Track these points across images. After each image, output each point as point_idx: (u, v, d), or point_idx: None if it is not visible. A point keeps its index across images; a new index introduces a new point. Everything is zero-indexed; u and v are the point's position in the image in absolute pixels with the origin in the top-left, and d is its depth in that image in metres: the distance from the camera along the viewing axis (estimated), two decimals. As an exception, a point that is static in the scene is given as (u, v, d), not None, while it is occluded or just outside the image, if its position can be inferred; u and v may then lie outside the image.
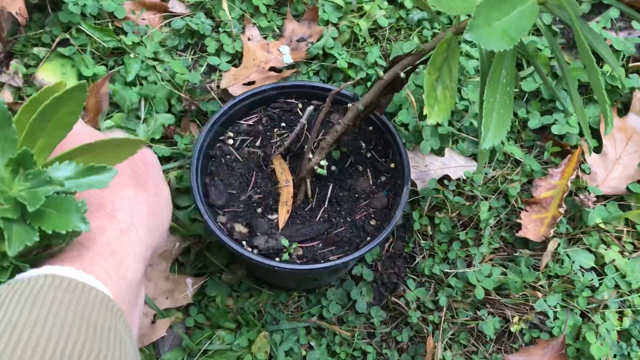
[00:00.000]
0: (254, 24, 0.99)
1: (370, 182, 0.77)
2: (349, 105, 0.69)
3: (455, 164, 0.92)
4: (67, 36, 0.93)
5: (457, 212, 0.89)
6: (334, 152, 0.78)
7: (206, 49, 0.97)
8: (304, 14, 1.01)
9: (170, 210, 0.60)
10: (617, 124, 0.94)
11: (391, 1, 1.03)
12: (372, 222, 0.74)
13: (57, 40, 0.93)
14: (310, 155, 0.71)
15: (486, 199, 0.90)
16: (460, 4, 0.46)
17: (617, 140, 0.93)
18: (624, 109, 0.97)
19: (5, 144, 0.39)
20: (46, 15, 0.95)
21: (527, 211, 0.89)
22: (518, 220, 0.89)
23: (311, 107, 0.77)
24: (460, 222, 0.89)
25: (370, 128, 0.80)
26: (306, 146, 0.71)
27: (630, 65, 0.98)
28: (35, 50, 0.93)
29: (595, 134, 0.95)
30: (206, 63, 0.96)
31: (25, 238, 0.39)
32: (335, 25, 1.00)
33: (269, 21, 1.00)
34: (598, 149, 0.94)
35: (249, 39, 0.97)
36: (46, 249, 0.45)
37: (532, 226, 0.88)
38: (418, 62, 0.62)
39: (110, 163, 0.43)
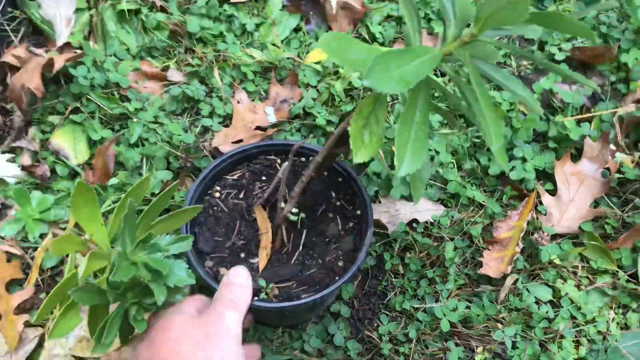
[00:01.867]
0: (243, 88, 1.12)
1: (340, 227, 0.87)
2: (311, 159, 0.80)
3: (423, 208, 1.02)
4: (78, 105, 1.07)
5: (426, 252, 0.98)
6: (307, 201, 0.88)
7: (200, 112, 1.09)
8: (287, 78, 1.13)
9: None
10: (570, 168, 1.04)
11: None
12: (340, 264, 0.84)
13: (69, 108, 1.06)
14: (283, 205, 0.82)
15: (452, 239, 0.99)
16: (357, 58, 0.55)
17: (570, 184, 1.03)
18: (577, 155, 1.06)
19: (130, 227, 0.58)
20: (60, 87, 1.08)
21: (489, 250, 0.99)
22: (481, 259, 0.98)
23: (287, 163, 0.88)
24: (429, 261, 0.98)
25: (340, 179, 0.91)
26: (277, 197, 0.82)
27: (584, 115, 1.09)
28: (51, 118, 1.06)
29: (551, 179, 1.04)
30: (200, 124, 1.09)
31: (162, 292, 0.58)
32: (314, 87, 1.12)
33: (255, 86, 1.13)
34: (553, 192, 1.03)
35: (238, 102, 1.10)
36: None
37: (493, 264, 0.97)
38: None
39: (178, 224, 0.72)
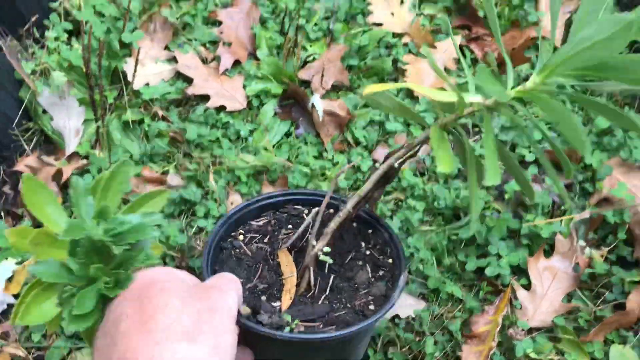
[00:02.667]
0: (237, 190, 1.21)
1: (370, 275, 0.87)
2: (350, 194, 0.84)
3: (405, 304, 1.08)
4: (84, 209, 1.15)
5: (408, 346, 1.04)
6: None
7: (196, 214, 1.18)
8: (278, 180, 1.22)
9: (231, 357, 0.60)
10: (543, 264, 1.10)
11: (351, 166, 1.24)
12: (371, 307, 0.83)
13: (75, 213, 1.15)
14: (314, 243, 0.82)
15: (432, 334, 1.04)
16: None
17: (544, 279, 1.09)
18: (550, 250, 1.13)
19: (86, 207, 0.62)
20: (68, 193, 1.17)
21: (468, 344, 1.04)
22: (460, 353, 1.02)
23: (317, 209, 0.87)
24: (411, 355, 1.03)
25: (370, 231, 0.93)
26: (309, 234, 0.83)
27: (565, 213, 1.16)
28: (58, 222, 1.14)
29: (525, 274, 1.10)
30: (196, 225, 1.17)
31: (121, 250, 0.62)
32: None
33: (248, 187, 1.22)
34: (528, 287, 1.09)
35: (231, 204, 1.18)
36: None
37: (472, 358, 1.02)
38: (408, 154, 0.77)
39: (154, 208, 0.72)
